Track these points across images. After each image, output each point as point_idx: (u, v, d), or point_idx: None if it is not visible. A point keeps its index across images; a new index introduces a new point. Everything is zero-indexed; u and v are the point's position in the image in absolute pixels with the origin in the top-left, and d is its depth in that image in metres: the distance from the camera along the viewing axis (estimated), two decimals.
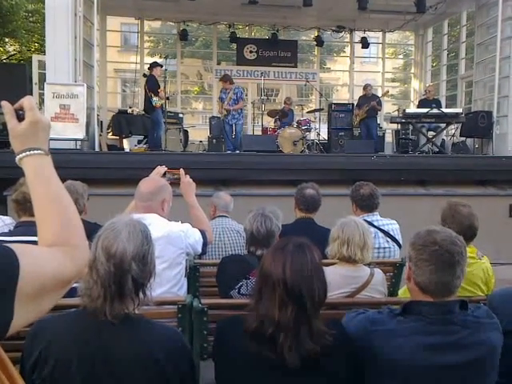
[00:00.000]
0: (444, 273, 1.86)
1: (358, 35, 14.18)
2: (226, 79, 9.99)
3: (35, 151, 1.23)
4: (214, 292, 3.09)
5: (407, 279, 2.01)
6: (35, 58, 10.78)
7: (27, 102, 1.25)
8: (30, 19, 19.15)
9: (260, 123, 11.15)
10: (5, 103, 1.25)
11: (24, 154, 1.23)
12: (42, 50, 16.28)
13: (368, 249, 2.79)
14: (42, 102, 8.19)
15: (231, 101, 9.78)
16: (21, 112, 1.24)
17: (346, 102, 13.31)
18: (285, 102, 11.75)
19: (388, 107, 15.19)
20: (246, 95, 10.57)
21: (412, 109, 11.77)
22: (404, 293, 3.01)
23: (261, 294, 1.77)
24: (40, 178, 1.23)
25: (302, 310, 1.72)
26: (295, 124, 10.48)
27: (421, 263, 1.90)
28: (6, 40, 19.67)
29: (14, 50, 20.52)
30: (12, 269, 1.04)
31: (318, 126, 11.13)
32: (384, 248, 3.74)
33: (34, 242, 1.22)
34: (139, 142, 11.01)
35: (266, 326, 1.72)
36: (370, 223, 3.62)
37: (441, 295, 1.88)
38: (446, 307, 1.87)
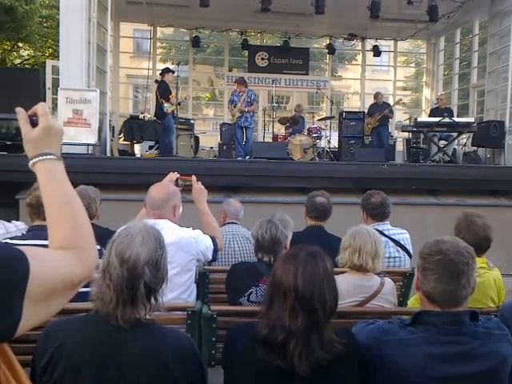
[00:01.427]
0: (448, 282, 1.85)
1: (369, 43, 14.20)
2: (241, 81, 10.10)
3: (48, 156, 1.26)
4: (223, 299, 3.09)
5: (416, 288, 2.01)
6: (49, 63, 10.95)
7: (41, 108, 1.28)
8: (44, 25, 19.38)
9: (271, 130, 11.15)
10: (19, 109, 1.28)
11: (37, 158, 1.26)
12: (55, 55, 16.45)
13: (379, 258, 2.79)
14: (55, 106, 8.26)
15: (245, 103, 9.85)
16: (34, 118, 1.27)
17: (357, 110, 13.27)
18: (295, 110, 11.77)
19: (399, 116, 15.15)
20: (257, 102, 10.63)
21: (423, 117, 11.71)
22: (414, 302, 2.99)
23: (272, 301, 1.77)
24: (52, 182, 1.26)
25: (313, 318, 1.72)
26: (306, 131, 10.50)
27: (426, 272, 1.90)
28: (21, 45, 19.94)
29: (28, 54, 20.76)
30: (22, 270, 1.06)
31: (328, 134, 11.13)
32: (394, 257, 3.72)
33: (46, 246, 1.24)
34: (150, 147, 11.05)
35: (277, 333, 1.71)
36: (381, 232, 3.60)
37: (447, 305, 1.87)
38: (456, 317, 1.86)
